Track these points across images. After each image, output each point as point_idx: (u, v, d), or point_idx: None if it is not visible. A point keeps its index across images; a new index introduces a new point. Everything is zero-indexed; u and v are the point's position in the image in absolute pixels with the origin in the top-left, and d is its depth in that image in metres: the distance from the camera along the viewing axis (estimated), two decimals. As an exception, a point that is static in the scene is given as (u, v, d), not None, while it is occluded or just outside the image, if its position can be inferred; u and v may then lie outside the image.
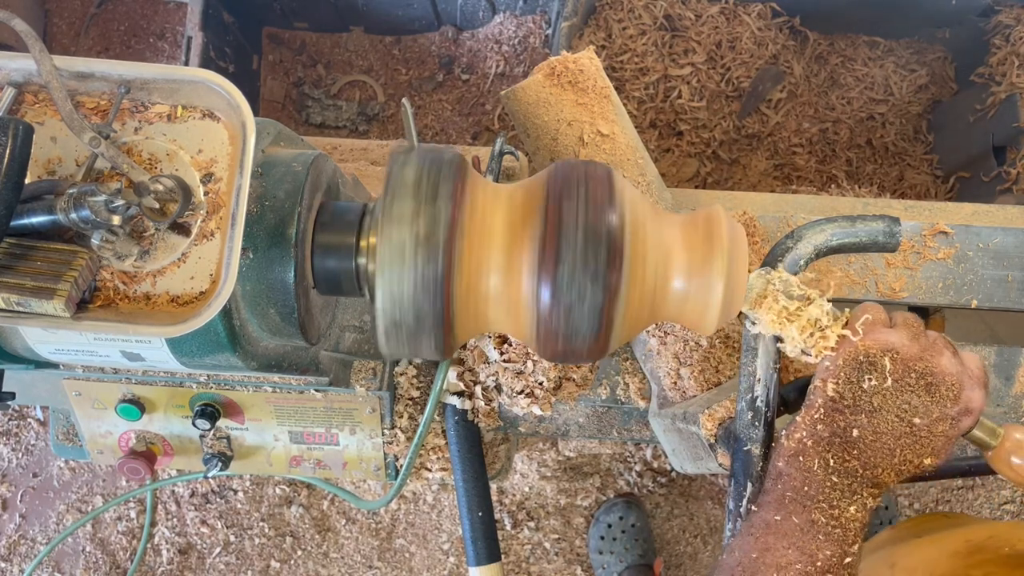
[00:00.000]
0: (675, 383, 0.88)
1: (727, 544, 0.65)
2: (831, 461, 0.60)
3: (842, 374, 0.60)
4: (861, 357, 0.59)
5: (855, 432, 0.59)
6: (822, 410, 0.60)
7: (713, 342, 0.87)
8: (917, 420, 0.59)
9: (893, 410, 0.59)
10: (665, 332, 0.88)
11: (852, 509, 0.60)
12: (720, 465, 0.79)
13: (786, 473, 0.62)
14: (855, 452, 0.60)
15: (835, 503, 0.60)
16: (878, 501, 0.62)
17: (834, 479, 0.60)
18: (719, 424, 0.77)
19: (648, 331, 0.89)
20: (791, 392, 0.71)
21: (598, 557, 1.74)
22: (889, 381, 0.59)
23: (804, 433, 0.61)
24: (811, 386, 0.62)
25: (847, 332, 0.61)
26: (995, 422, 0.64)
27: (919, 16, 1.62)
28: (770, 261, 0.64)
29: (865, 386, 0.59)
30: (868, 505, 0.61)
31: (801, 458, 0.61)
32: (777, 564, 0.59)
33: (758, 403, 0.65)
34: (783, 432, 0.63)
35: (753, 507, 0.63)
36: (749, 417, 0.65)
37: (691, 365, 0.87)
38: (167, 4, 1.81)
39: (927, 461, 0.60)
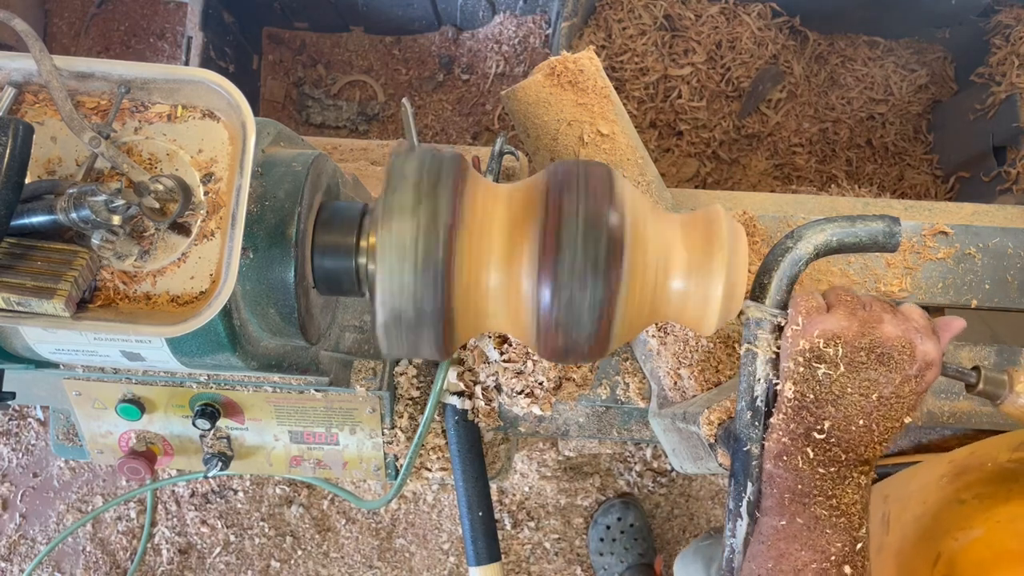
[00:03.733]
0: (675, 383, 0.88)
1: (741, 556, 0.65)
2: (812, 454, 0.60)
3: (795, 374, 0.60)
4: (807, 353, 0.60)
5: (827, 423, 0.60)
6: (789, 410, 0.61)
7: (713, 342, 0.87)
8: (882, 392, 0.59)
9: (856, 391, 0.59)
10: (665, 332, 0.88)
11: (849, 493, 0.60)
12: (720, 465, 0.79)
13: (777, 475, 0.62)
14: (833, 440, 0.60)
15: (830, 492, 0.60)
16: (872, 476, 0.62)
17: (821, 470, 0.60)
18: (719, 424, 0.77)
19: (648, 331, 0.89)
20: None
21: (599, 559, 1.74)
22: (841, 367, 0.59)
23: (780, 433, 0.61)
24: (777, 388, 0.63)
25: (788, 329, 0.61)
26: (998, 370, 0.64)
27: (919, 16, 1.62)
28: (770, 261, 0.64)
29: (820, 378, 0.59)
30: (863, 484, 0.61)
31: (785, 458, 0.61)
32: (794, 568, 0.59)
33: (758, 403, 0.65)
34: (764, 436, 0.64)
35: (758, 514, 0.64)
36: (749, 417, 0.65)
37: (691, 365, 0.87)
38: (167, 4, 1.81)
39: (906, 420, 0.60)
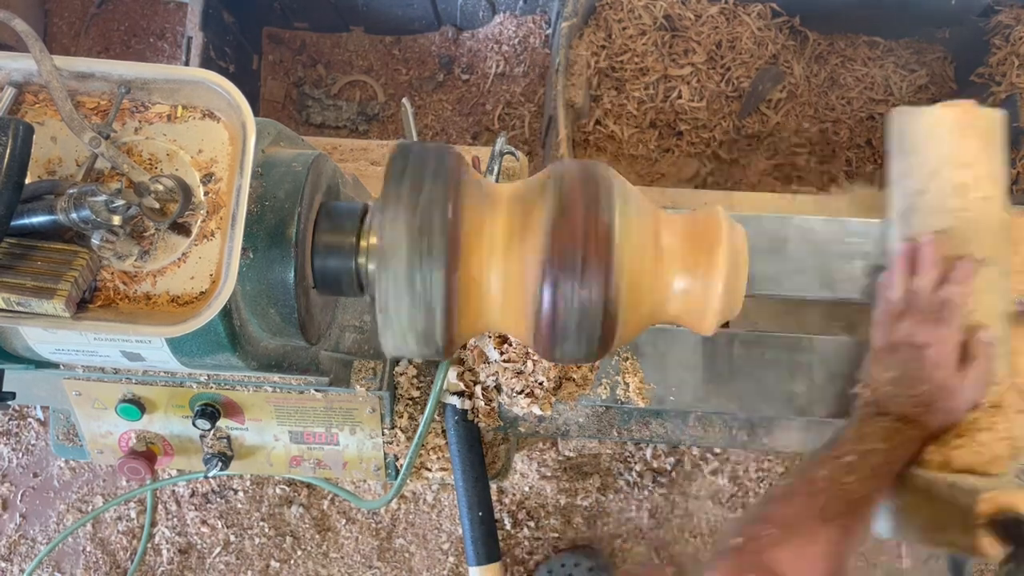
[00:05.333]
0: None
1: None
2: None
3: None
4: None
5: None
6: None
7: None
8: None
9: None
10: None
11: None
12: (976, 552, 0.71)
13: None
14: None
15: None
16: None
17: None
18: (998, 513, 0.70)
19: None
20: None
21: None
22: None
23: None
24: None
25: None
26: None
27: (919, 16, 1.62)
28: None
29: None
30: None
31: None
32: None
33: None
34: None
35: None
36: None
37: None
38: (167, 4, 1.81)
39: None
